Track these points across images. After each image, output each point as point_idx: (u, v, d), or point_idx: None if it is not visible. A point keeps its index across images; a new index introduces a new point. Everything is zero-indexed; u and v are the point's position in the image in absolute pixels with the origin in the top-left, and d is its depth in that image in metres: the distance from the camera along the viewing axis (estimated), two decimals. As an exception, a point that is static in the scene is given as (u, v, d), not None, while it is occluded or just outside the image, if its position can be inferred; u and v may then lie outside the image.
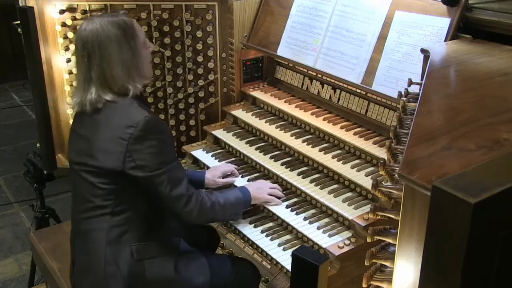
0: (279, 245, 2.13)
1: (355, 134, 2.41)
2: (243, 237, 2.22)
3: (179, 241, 2.08)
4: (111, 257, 1.87)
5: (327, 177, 2.33)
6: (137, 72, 1.93)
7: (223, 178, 2.39)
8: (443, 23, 2.16)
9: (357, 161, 2.33)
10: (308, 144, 2.46)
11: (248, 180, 2.42)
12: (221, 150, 2.71)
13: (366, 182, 2.17)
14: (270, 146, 2.60)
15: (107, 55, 1.86)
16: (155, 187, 1.86)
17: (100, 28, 1.86)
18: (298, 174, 2.35)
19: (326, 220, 2.17)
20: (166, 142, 1.91)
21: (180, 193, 1.90)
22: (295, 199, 2.31)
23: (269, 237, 2.17)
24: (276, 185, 2.33)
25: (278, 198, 2.28)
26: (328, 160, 2.35)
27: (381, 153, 2.23)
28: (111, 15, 1.93)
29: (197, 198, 1.95)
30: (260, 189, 2.25)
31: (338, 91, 2.60)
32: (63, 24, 2.84)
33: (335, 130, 2.46)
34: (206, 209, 1.98)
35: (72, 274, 2.03)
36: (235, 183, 2.39)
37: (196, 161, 2.69)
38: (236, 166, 2.47)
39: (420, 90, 1.60)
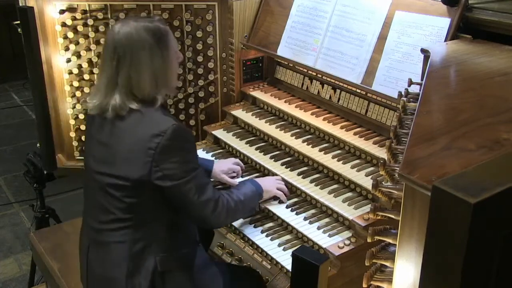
0: (279, 245, 2.13)
1: (355, 134, 2.41)
2: (243, 237, 2.22)
3: (196, 249, 2.03)
4: (134, 270, 1.84)
5: (327, 177, 2.33)
6: (164, 82, 1.88)
7: (228, 176, 2.38)
8: (443, 23, 2.16)
9: (357, 161, 2.33)
10: (308, 144, 2.46)
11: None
12: (221, 150, 2.71)
13: (366, 182, 2.17)
14: (270, 146, 2.60)
15: (137, 62, 1.80)
16: (183, 195, 1.83)
17: (134, 33, 1.80)
18: (298, 174, 2.35)
19: (326, 220, 2.17)
20: (192, 150, 1.89)
21: (208, 198, 1.88)
22: (295, 199, 2.31)
23: (269, 237, 2.17)
24: (282, 181, 2.32)
25: (285, 194, 2.28)
26: (328, 160, 2.35)
27: (381, 153, 2.23)
28: (147, 20, 1.87)
29: (223, 201, 1.94)
30: (269, 183, 2.26)
31: (338, 91, 2.60)
32: (63, 24, 2.84)
33: (335, 130, 2.46)
34: (232, 210, 1.98)
35: (86, 281, 1.98)
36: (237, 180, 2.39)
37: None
38: (243, 167, 2.46)
39: (420, 90, 1.60)
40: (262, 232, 2.21)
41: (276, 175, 2.39)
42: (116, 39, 1.81)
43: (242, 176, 2.45)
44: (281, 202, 2.28)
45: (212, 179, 2.35)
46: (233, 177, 2.41)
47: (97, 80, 1.94)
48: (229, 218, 2.02)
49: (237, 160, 2.49)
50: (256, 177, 2.44)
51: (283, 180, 2.35)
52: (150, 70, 1.82)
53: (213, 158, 2.62)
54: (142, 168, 1.77)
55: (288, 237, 2.19)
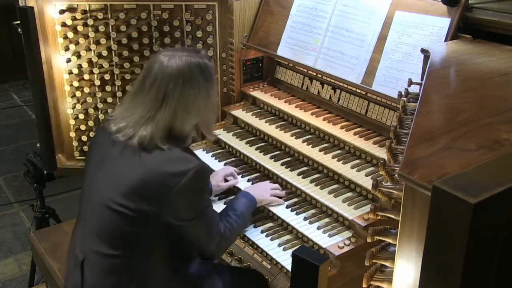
0: (279, 245, 2.13)
1: (355, 134, 2.41)
2: (243, 237, 2.22)
3: (193, 263, 2.02)
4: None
5: (327, 177, 2.33)
6: (207, 122, 1.86)
7: (225, 181, 2.39)
8: (443, 23, 2.16)
9: (357, 161, 2.33)
10: (308, 144, 2.46)
11: (248, 180, 2.42)
12: (221, 150, 2.71)
13: (366, 182, 2.17)
14: (270, 146, 2.60)
15: (187, 100, 1.74)
16: (194, 232, 1.83)
17: (187, 70, 1.74)
18: (298, 174, 2.35)
19: (326, 220, 2.17)
20: (207, 189, 1.88)
21: (215, 233, 1.89)
22: (295, 199, 2.31)
23: (269, 237, 2.17)
24: (276, 185, 2.33)
25: (280, 197, 2.28)
26: (328, 160, 2.35)
27: (381, 153, 2.23)
28: (196, 55, 1.80)
29: (225, 233, 1.94)
30: (262, 191, 2.25)
31: (338, 91, 2.60)
32: (63, 24, 2.84)
33: (335, 130, 2.46)
34: (232, 236, 2.00)
35: None
36: (238, 185, 2.39)
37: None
38: (235, 169, 2.47)
39: (420, 90, 1.60)
40: (262, 232, 2.21)
41: (276, 175, 2.39)
42: (166, 73, 1.74)
43: (242, 176, 2.45)
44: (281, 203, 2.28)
45: (215, 193, 2.37)
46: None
47: (129, 102, 1.82)
48: (229, 243, 2.04)
49: (226, 166, 2.49)
50: (256, 177, 2.45)
51: (283, 180, 2.35)
52: (197, 109, 1.78)
53: (213, 158, 2.62)
54: (155, 204, 1.72)
55: (288, 237, 2.18)
